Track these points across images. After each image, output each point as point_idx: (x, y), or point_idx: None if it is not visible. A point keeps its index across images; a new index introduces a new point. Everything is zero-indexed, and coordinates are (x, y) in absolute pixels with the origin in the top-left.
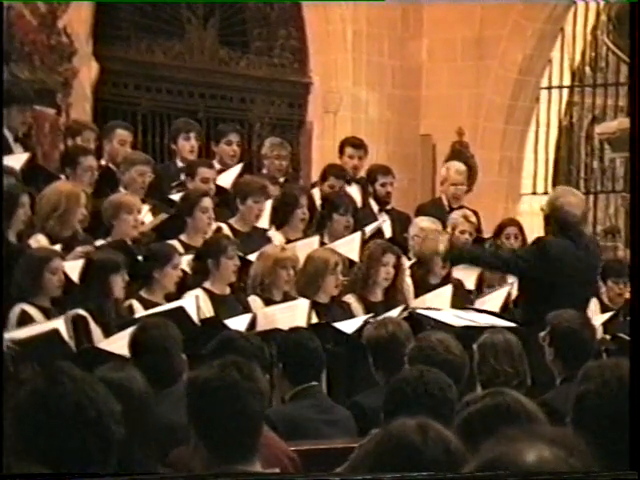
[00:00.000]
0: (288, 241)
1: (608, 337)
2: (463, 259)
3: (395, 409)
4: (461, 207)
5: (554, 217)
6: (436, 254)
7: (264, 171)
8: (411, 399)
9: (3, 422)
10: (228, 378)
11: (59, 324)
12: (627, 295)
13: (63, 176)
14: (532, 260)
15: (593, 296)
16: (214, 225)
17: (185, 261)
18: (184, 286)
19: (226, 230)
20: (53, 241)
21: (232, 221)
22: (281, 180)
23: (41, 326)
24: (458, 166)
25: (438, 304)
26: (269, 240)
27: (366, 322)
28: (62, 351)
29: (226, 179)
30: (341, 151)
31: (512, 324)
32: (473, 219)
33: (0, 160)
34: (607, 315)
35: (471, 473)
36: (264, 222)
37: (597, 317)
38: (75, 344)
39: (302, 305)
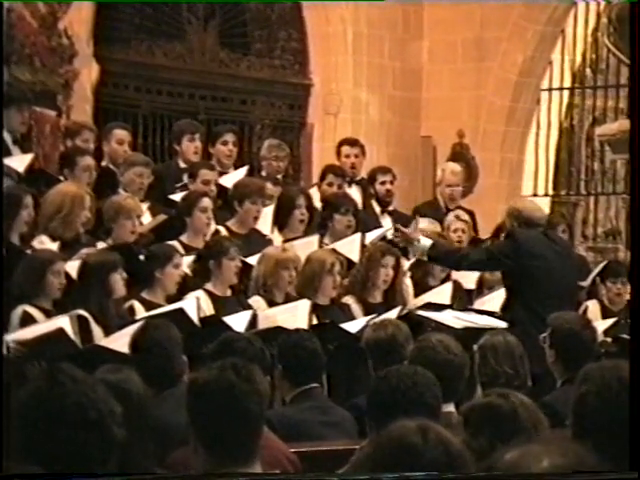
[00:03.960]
0: (286, 241)
1: (609, 340)
2: (442, 261)
3: (378, 411)
4: (457, 208)
5: (519, 220)
6: (417, 254)
7: (263, 173)
8: (393, 401)
9: (3, 422)
10: (225, 380)
11: (64, 323)
12: (627, 296)
13: (62, 177)
14: (507, 252)
15: (577, 297)
16: (213, 227)
17: (186, 262)
18: (185, 287)
19: (224, 233)
20: (56, 242)
21: (230, 223)
22: (281, 180)
23: (46, 325)
24: (453, 167)
25: (438, 301)
26: (268, 242)
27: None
28: (68, 349)
29: (231, 180)
30: (338, 152)
31: (505, 324)
32: (465, 217)
33: (0, 161)
34: (609, 322)
35: (471, 474)
36: (266, 226)
37: (599, 323)
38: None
39: (303, 306)
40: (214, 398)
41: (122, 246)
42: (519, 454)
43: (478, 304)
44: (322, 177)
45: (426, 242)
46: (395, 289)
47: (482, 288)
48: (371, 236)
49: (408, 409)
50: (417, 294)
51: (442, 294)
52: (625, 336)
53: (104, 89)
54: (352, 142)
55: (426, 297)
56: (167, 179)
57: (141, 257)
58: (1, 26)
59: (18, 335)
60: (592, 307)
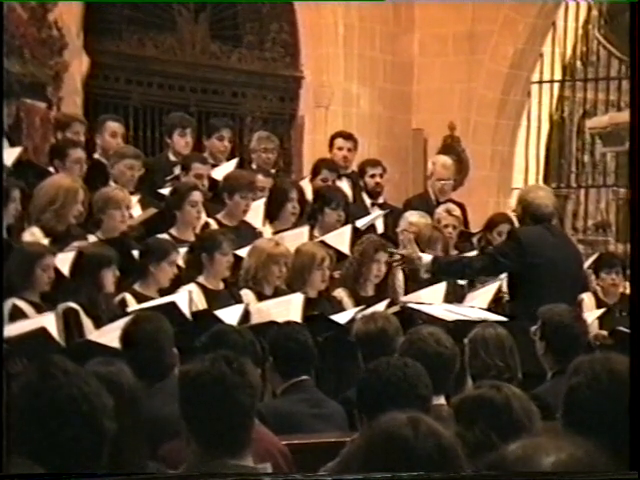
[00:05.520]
0: (276, 233)
1: (605, 333)
2: (446, 274)
3: (368, 403)
4: (448, 201)
5: (526, 212)
6: (421, 271)
7: (253, 165)
8: (383, 393)
9: (2, 422)
10: (217, 372)
11: (47, 321)
12: (621, 287)
13: (52, 169)
14: (511, 253)
15: (579, 287)
16: (203, 220)
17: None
18: (178, 281)
19: (214, 225)
20: (47, 235)
21: (219, 216)
22: (273, 172)
23: (29, 323)
24: (444, 160)
25: (431, 300)
26: (257, 234)
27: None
28: (51, 348)
29: (222, 172)
30: (331, 144)
31: (503, 318)
32: (456, 213)
33: (0, 157)
34: (600, 311)
35: (468, 473)
36: (258, 218)
37: (591, 313)
38: (66, 338)
39: (296, 300)
40: (206, 390)
41: (117, 239)
42: (528, 448)
43: (470, 298)
44: (315, 171)
45: (427, 258)
46: (387, 283)
47: (474, 282)
48: (361, 222)
49: (398, 401)
50: (409, 286)
51: (436, 293)
52: (622, 329)
53: (94, 81)
54: (346, 135)
55: (421, 295)
56: (158, 172)
57: (135, 252)
58: (1, 25)
59: (4, 331)
60: (587, 300)
